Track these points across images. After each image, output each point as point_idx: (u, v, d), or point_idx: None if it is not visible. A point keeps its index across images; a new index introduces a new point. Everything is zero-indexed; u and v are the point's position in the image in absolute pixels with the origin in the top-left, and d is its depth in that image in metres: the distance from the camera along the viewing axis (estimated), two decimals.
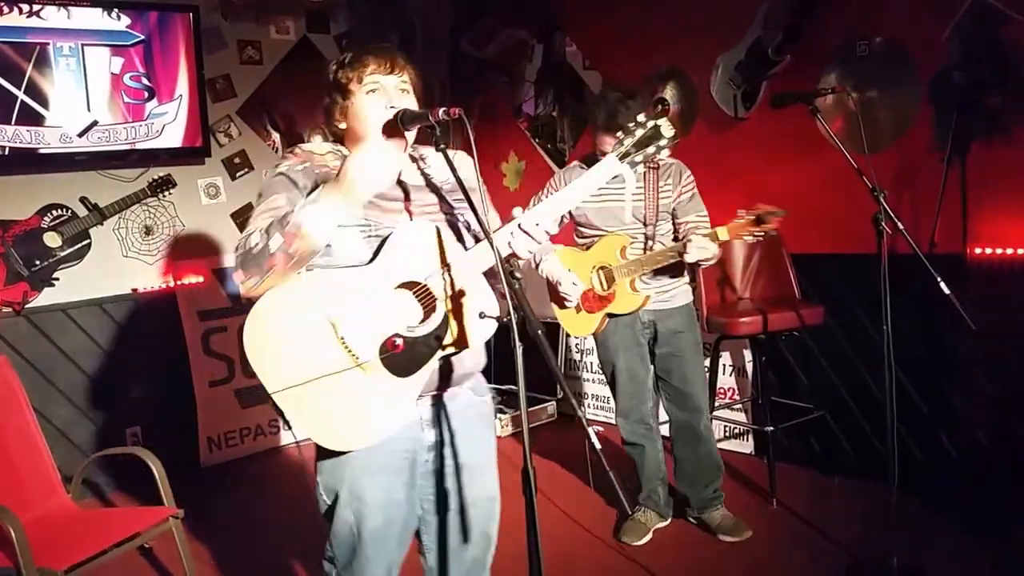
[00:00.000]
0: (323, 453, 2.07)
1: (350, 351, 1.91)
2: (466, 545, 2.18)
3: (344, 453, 2.02)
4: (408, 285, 1.98)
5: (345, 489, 2.06)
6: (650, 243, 3.48)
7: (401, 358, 1.94)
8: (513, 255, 1.97)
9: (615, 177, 1.96)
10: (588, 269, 3.55)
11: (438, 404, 2.12)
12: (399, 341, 1.93)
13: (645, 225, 3.49)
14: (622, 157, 1.93)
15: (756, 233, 3.14)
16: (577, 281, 3.42)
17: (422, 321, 1.97)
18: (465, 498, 2.16)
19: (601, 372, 3.85)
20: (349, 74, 2.02)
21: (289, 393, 1.88)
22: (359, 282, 1.94)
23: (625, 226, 3.51)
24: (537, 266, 3.50)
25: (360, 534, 2.07)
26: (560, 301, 3.60)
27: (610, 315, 3.55)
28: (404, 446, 2.08)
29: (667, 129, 1.89)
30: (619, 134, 1.93)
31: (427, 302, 1.99)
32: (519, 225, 1.93)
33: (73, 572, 2.79)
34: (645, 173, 3.47)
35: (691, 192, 3.53)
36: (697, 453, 3.65)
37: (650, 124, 1.90)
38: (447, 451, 2.14)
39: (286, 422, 1.92)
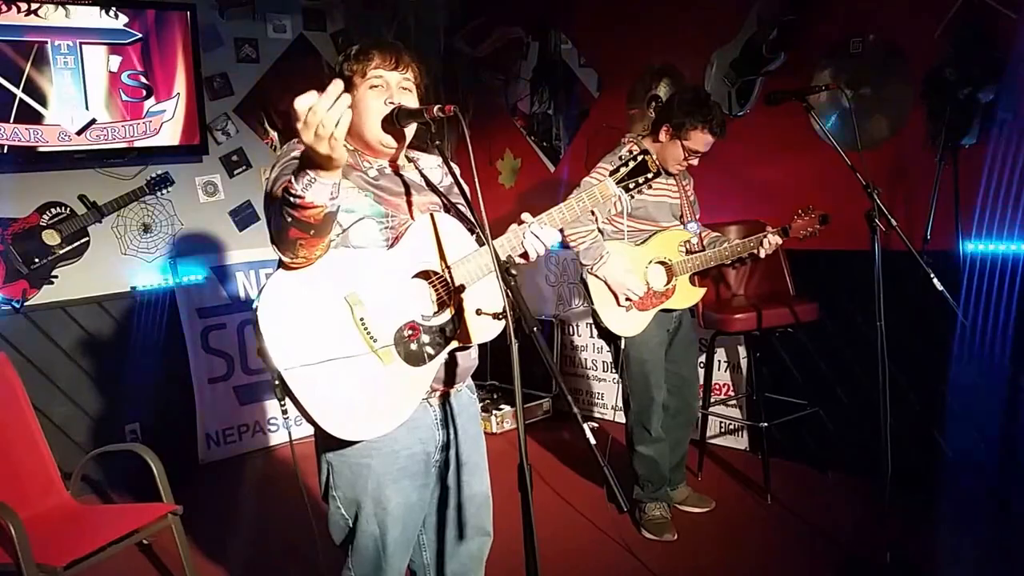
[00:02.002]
0: (338, 466, 2.04)
1: (368, 333, 1.89)
2: (464, 541, 2.22)
3: (361, 463, 2.00)
4: (424, 274, 2.01)
5: (369, 500, 2.04)
6: (694, 241, 3.58)
7: (416, 346, 1.95)
8: (524, 255, 2.08)
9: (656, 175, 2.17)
10: (643, 264, 3.53)
11: (447, 402, 2.15)
12: (415, 328, 1.94)
13: (682, 222, 3.61)
14: (618, 182, 2.14)
15: (817, 229, 3.32)
16: (641, 282, 3.49)
17: (436, 312, 2.00)
18: (464, 495, 2.20)
19: (616, 370, 3.74)
20: (353, 67, 2.02)
21: (301, 374, 1.81)
22: (378, 265, 1.93)
23: (672, 222, 3.60)
24: (591, 266, 3.49)
25: (385, 545, 2.07)
26: (612, 300, 3.54)
27: (664, 310, 3.58)
28: (422, 448, 2.10)
29: (651, 165, 2.14)
30: (613, 163, 2.21)
31: (442, 293, 2.01)
32: (529, 228, 2.06)
33: (73, 568, 2.80)
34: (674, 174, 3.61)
35: (694, 195, 3.74)
36: (684, 435, 3.89)
37: (640, 159, 2.14)
38: (452, 449, 2.18)
39: (283, 404, 1.83)
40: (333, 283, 1.86)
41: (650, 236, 3.55)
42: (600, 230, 3.62)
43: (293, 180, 1.64)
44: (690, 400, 3.86)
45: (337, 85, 1.55)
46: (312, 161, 1.60)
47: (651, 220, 3.55)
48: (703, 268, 3.51)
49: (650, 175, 2.13)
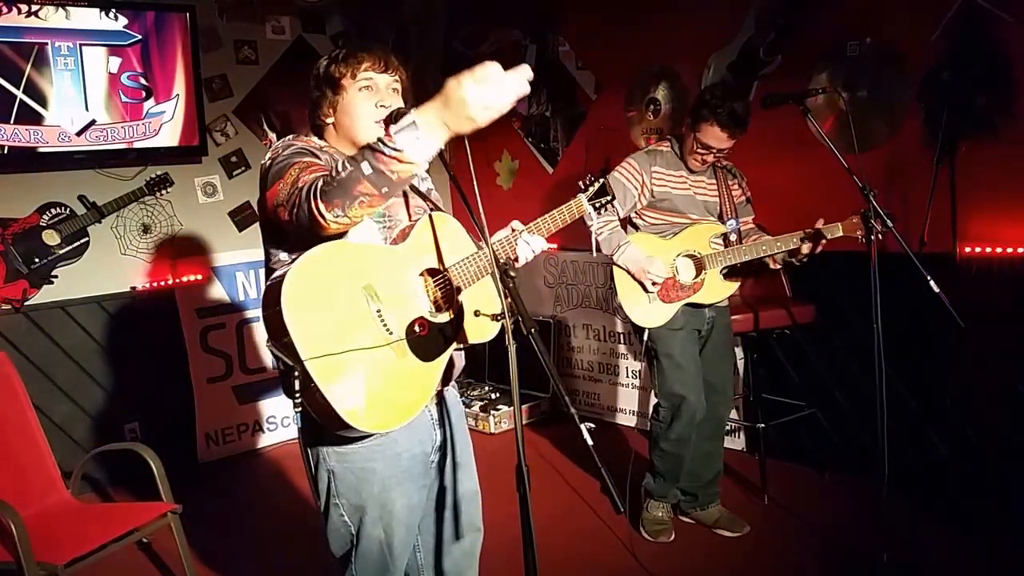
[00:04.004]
0: (341, 473, 2.01)
1: (385, 326, 1.90)
2: (459, 539, 2.24)
3: (366, 467, 2.00)
4: (431, 272, 2.04)
5: (374, 505, 2.03)
6: (731, 238, 3.48)
7: (425, 343, 1.97)
8: (515, 260, 2.15)
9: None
10: (671, 257, 3.46)
11: (442, 402, 2.17)
12: (424, 324, 1.97)
13: (722, 220, 3.50)
14: (589, 199, 2.25)
15: (860, 235, 3.11)
16: (663, 267, 3.41)
17: (438, 310, 2.03)
18: (458, 493, 2.23)
19: (651, 362, 3.63)
20: (343, 69, 2.02)
21: (324, 363, 1.79)
22: (389, 260, 1.95)
23: (706, 218, 3.50)
24: (612, 255, 3.46)
25: (392, 548, 2.07)
26: (636, 290, 3.47)
27: (692, 305, 3.48)
28: (421, 448, 2.11)
29: (609, 190, 2.29)
30: (580, 183, 2.26)
31: (447, 292, 2.04)
32: (521, 236, 2.13)
33: (73, 566, 2.81)
34: (716, 171, 3.54)
35: (749, 195, 3.64)
36: (715, 448, 3.74)
37: (600, 182, 2.26)
38: (448, 448, 2.20)
39: (298, 397, 1.78)
40: (349, 275, 1.88)
41: (681, 230, 3.48)
42: (635, 225, 3.59)
43: (391, 133, 1.65)
44: (718, 410, 3.67)
45: (527, 70, 1.69)
46: (441, 124, 1.67)
47: (678, 212, 3.47)
48: (734, 263, 3.39)
49: (609, 197, 2.27)
